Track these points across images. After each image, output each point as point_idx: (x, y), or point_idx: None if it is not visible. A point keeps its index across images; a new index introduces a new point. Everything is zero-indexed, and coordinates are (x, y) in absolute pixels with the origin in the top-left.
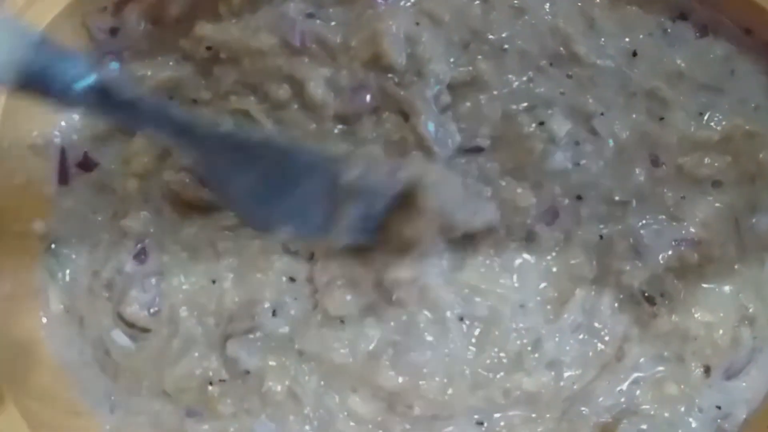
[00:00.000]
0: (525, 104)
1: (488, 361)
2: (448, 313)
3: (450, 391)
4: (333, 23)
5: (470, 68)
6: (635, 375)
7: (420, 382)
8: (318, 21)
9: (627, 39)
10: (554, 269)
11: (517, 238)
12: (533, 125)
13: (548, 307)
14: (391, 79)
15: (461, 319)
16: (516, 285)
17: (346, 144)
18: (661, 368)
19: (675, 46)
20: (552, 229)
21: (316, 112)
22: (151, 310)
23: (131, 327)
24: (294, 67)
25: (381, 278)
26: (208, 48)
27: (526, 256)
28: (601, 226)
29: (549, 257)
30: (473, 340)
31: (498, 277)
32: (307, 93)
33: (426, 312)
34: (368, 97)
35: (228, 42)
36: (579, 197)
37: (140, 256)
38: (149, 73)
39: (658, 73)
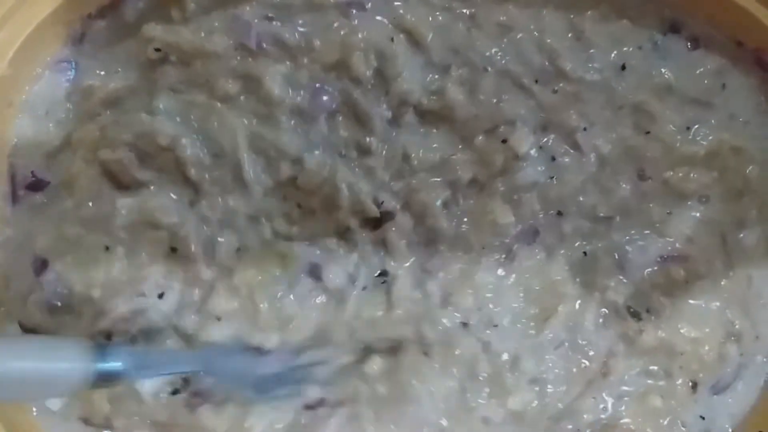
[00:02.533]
0: (488, 126)
1: (462, 390)
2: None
3: None
4: (299, 29)
5: (441, 97)
6: (621, 389)
7: None
8: (277, 23)
9: (616, 52)
10: (536, 287)
11: (492, 258)
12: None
13: (530, 323)
14: (355, 86)
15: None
16: (487, 303)
17: (296, 138)
18: (648, 382)
19: (666, 59)
20: (532, 248)
21: (272, 104)
22: None
23: None
24: (249, 66)
25: None
26: (157, 50)
27: (501, 273)
28: (585, 243)
29: (528, 275)
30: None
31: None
32: (264, 89)
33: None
34: (326, 99)
35: (179, 44)
36: (560, 213)
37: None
38: (97, 83)
39: (647, 86)
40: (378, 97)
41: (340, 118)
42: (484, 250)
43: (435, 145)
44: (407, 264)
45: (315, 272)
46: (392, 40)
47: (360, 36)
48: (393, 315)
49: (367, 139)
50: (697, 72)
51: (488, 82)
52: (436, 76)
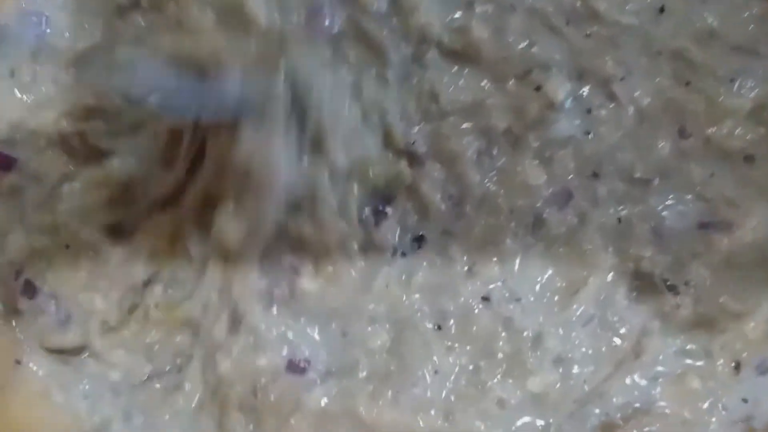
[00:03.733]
0: (519, 70)
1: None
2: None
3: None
4: None
5: (465, 35)
6: (655, 370)
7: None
8: None
9: None
10: (564, 257)
11: (521, 224)
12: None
13: (554, 298)
14: (362, 14)
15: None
16: (509, 276)
17: None
18: (685, 362)
19: (707, 1)
20: (564, 213)
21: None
22: None
23: None
24: None
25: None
26: None
27: (529, 240)
28: (620, 208)
29: (557, 244)
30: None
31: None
32: (246, 13)
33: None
34: (327, 23)
35: None
36: (595, 174)
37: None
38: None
39: (687, 31)
40: (393, 30)
41: (347, 44)
42: (513, 215)
43: (463, 83)
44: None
45: None
46: None
47: None
48: (413, 282)
49: (385, 71)
50: (743, 16)
51: (516, 21)
52: (459, 13)
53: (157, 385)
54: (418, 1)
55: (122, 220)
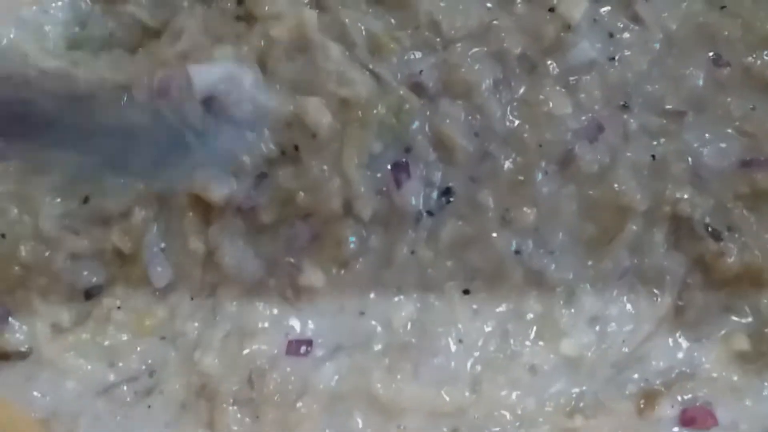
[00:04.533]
0: None
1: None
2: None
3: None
4: None
5: None
6: (699, 329)
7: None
8: None
9: None
10: (597, 199)
11: (551, 160)
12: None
13: (589, 248)
14: None
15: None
16: (541, 223)
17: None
18: (732, 319)
19: None
20: (594, 148)
21: None
22: None
23: None
24: None
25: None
26: None
27: (559, 180)
28: (653, 143)
29: (588, 185)
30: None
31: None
32: None
33: None
34: None
35: None
36: (625, 105)
37: None
38: None
39: None
40: None
41: None
42: (541, 149)
43: (462, 7)
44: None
45: None
46: None
47: None
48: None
49: None
50: None
51: None
52: None
53: (126, 390)
54: None
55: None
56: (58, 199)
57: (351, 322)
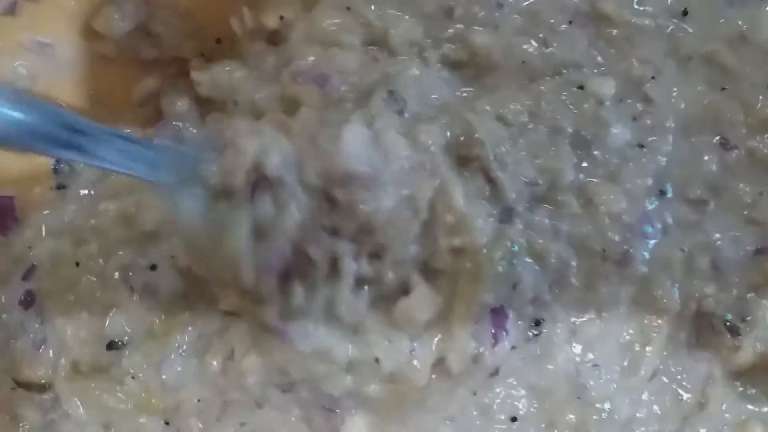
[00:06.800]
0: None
1: None
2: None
3: None
4: None
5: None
6: (719, 420)
7: None
8: None
9: None
10: (638, 306)
11: (612, 262)
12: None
13: (627, 357)
14: None
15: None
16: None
17: None
18: (747, 407)
19: (733, 5)
20: (644, 244)
21: None
22: None
23: None
24: None
25: None
26: None
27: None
28: (682, 236)
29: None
30: None
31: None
32: None
33: None
34: None
35: None
36: (661, 192)
37: None
38: None
39: (715, 35)
40: None
41: None
42: (606, 253)
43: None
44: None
45: None
46: None
47: None
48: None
49: None
50: None
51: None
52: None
53: None
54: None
55: None
56: None
57: None
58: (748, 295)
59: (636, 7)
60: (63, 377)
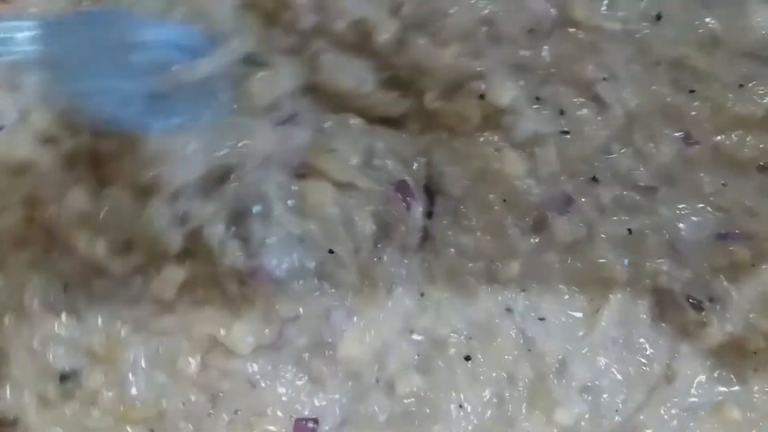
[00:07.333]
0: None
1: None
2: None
3: None
4: None
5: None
6: (690, 400)
7: None
8: None
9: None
10: (577, 269)
11: (520, 219)
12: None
13: (578, 316)
14: None
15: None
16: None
17: None
18: (720, 389)
19: (710, 8)
20: (567, 219)
21: None
22: None
23: None
24: None
25: None
26: None
27: (534, 240)
28: (627, 218)
29: (568, 253)
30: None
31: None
32: None
33: None
34: None
35: None
36: (594, 179)
37: None
38: None
39: (688, 39)
40: None
41: None
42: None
43: None
44: None
45: None
46: None
47: None
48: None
49: None
50: (750, 22)
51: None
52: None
53: None
54: None
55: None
56: None
57: (358, 394)
58: (711, 278)
59: (606, 12)
60: (34, 411)
